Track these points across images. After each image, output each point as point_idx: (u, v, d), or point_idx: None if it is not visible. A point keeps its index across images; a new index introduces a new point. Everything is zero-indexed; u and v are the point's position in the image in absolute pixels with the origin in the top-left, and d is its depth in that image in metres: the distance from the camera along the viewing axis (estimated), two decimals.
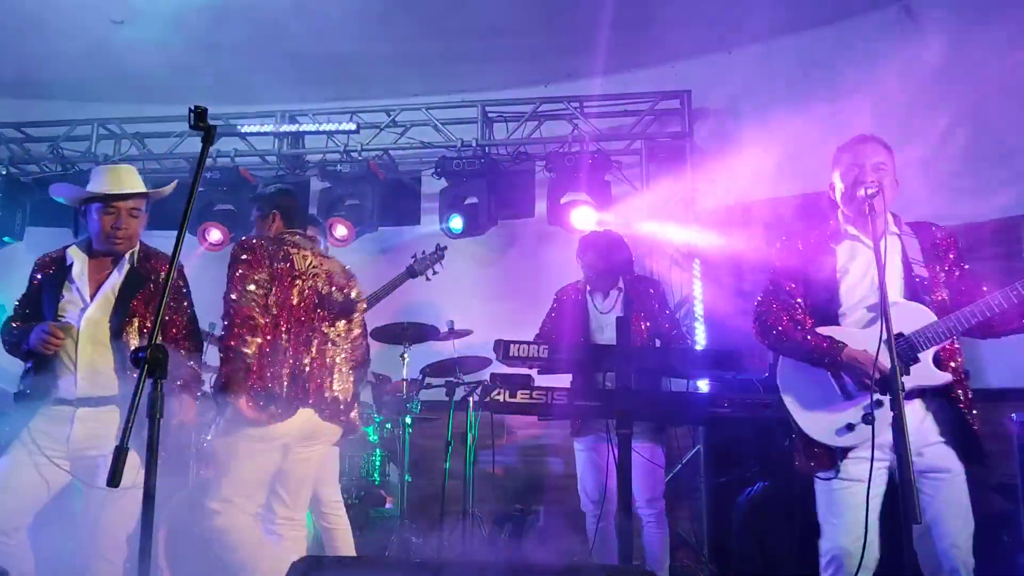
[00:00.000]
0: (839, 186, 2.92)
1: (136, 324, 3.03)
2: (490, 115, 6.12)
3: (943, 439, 2.71)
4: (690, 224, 5.63)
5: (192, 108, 2.11)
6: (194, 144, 6.33)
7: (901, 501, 2.24)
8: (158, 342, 1.97)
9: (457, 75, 6.29)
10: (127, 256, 3.15)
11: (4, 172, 6.34)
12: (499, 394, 3.71)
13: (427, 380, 5.11)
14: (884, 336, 2.42)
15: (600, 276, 4.23)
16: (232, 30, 5.71)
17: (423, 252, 4.88)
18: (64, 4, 5.49)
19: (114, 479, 1.80)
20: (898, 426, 2.24)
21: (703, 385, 4.18)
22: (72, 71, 6.25)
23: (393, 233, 6.48)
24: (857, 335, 2.77)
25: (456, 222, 5.78)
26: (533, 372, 3.84)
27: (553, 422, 4.99)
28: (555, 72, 6.40)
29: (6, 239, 6.33)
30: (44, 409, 2.98)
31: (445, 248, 4.91)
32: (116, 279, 3.11)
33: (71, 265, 3.13)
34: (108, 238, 3.11)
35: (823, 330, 2.83)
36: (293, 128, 6.07)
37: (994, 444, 2.98)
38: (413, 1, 5.45)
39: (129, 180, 3.18)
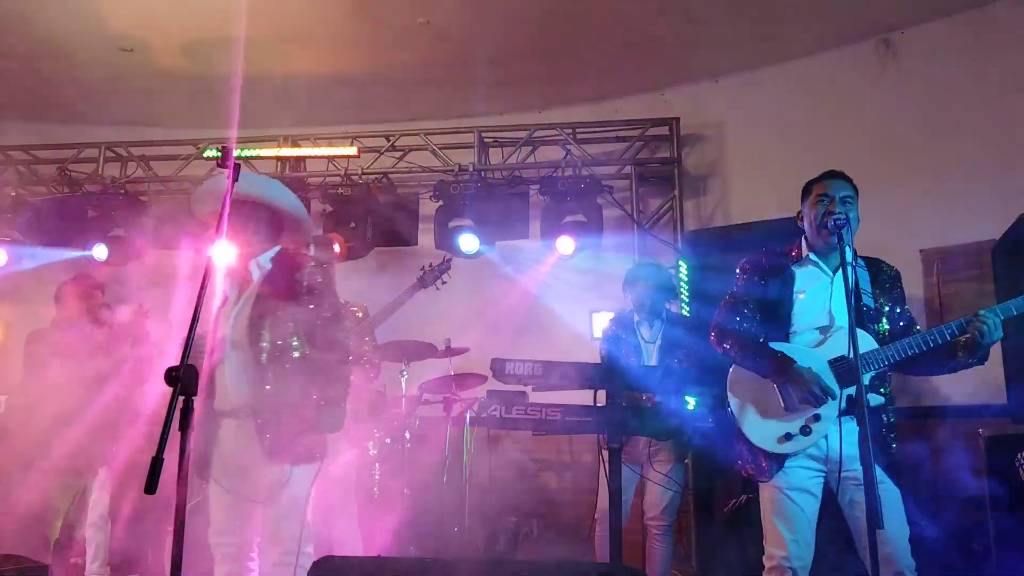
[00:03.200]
0: (808, 215, 3.15)
1: (270, 327, 3.05)
2: (485, 140, 6.34)
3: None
4: (678, 245, 5.84)
5: (219, 148, 2.31)
6: (198, 167, 6.54)
7: (868, 509, 2.43)
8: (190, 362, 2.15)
9: (454, 101, 6.51)
10: (255, 263, 3.16)
11: (13, 194, 6.52)
12: (495, 410, 3.93)
13: (424, 396, 5.30)
14: (851, 355, 2.61)
15: (647, 307, 4.46)
16: (237, 59, 5.92)
17: (430, 265, 5.07)
18: (76, 32, 5.69)
19: (149, 487, 1.98)
20: (863, 436, 2.45)
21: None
22: (81, 96, 6.46)
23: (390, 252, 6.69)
24: (805, 353, 3.00)
25: (467, 243, 5.95)
26: (528, 389, 4.06)
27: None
28: (548, 98, 6.65)
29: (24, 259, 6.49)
30: (212, 421, 3.09)
31: (451, 259, 5.09)
32: (250, 288, 3.15)
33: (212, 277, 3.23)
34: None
35: (775, 346, 3.06)
36: (296, 152, 6.27)
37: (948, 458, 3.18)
38: (412, 31, 5.68)
39: (202, 193, 3.27)
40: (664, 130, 6.16)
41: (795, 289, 3.10)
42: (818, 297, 3.08)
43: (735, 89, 6.17)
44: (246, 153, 6.38)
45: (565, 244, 5.75)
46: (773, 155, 5.96)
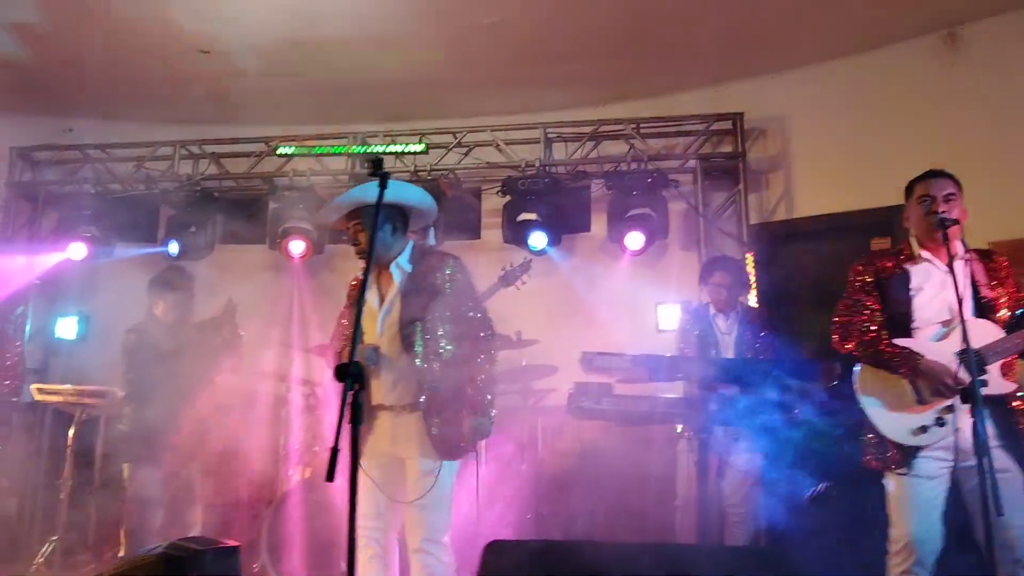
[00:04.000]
0: (913, 214, 3.27)
1: (419, 328, 3.21)
2: (549, 135, 6.46)
3: (1000, 443, 3.04)
4: (743, 239, 5.94)
5: (371, 158, 2.47)
6: (269, 164, 6.72)
7: (982, 497, 2.56)
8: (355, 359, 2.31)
9: (519, 98, 6.63)
10: (396, 265, 3.31)
11: (92, 191, 6.74)
12: (586, 401, 4.07)
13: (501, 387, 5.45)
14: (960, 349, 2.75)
15: (723, 299, 4.58)
16: (311, 60, 6.09)
17: (511, 264, 5.20)
18: (155, 35, 5.86)
19: (329, 475, 2.14)
20: (979, 429, 2.58)
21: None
22: (156, 95, 6.65)
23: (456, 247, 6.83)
24: (931, 347, 3.13)
25: (536, 239, 6.08)
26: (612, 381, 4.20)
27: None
28: (609, 94, 6.74)
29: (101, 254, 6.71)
30: (373, 417, 3.28)
31: (531, 260, 5.21)
32: (395, 288, 3.30)
33: (366, 282, 3.37)
34: (356, 254, 3.35)
35: (899, 342, 3.18)
36: (366, 149, 6.43)
37: None
38: (481, 31, 5.80)
39: (345, 201, 3.34)
40: (727, 124, 6.25)
41: (912, 286, 3.22)
42: (936, 293, 3.19)
43: (798, 84, 6.23)
44: (317, 150, 6.57)
45: (635, 239, 5.86)
46: (836, 149, 6.03)
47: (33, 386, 4.85)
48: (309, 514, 4.75)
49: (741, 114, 6.15)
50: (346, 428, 2.25)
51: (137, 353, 4.37)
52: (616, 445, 6.28)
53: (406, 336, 3.21)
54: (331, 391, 5.75)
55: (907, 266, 3.27)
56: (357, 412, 2.25)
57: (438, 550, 3.11)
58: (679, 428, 5.81)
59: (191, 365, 4.31)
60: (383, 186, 2.53)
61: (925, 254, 3.25)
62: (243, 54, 6.04)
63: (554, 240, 6.30)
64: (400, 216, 3.38)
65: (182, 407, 4.22)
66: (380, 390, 3.27)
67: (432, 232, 5.98)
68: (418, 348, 3.22)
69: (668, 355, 4.53)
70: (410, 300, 3.25)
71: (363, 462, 3.18)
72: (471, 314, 3.36)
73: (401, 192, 3.34)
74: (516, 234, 6.22)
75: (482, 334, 3.39)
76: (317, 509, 4.72)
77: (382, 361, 3.22)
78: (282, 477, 5.22)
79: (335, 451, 2.18)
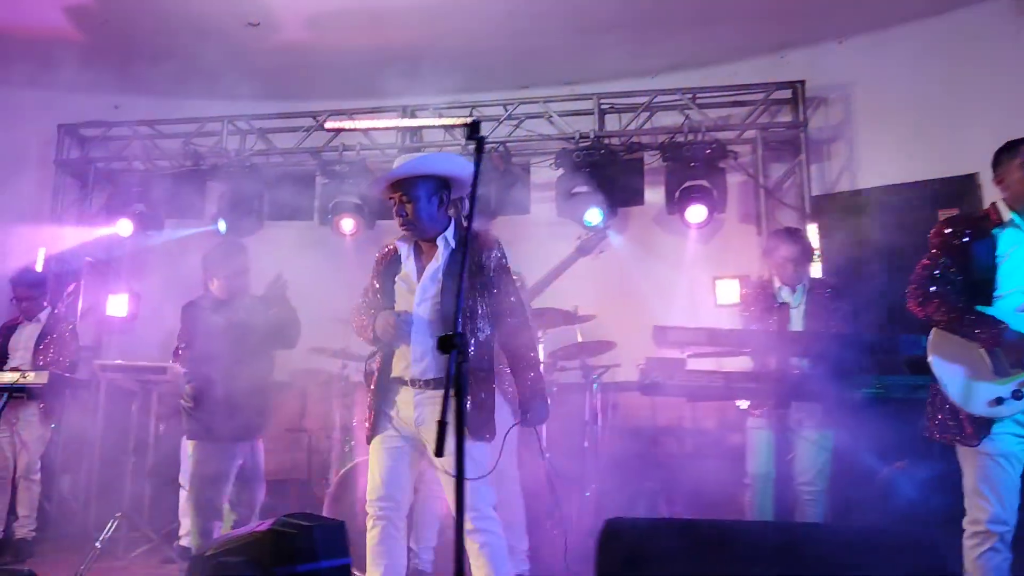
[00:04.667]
0: (1015, 176, 3.11)
1: (459, 305, 3.11)
2: (603, 106, 6.32)
3: None
4: (805, 211, 5.79)
5: (467, 123, 2.37)
6: (318, 138, 6.65)
7: None
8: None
9: (571, 69, 6.49)
10: (443, 239, 3.21)
11: (141, 167, 6.71)
12: (658, 376, 3.98)
13: (560, 364, 5.38)
14: None
15: (790, 272, 4.46)
16: (360, 32, 5.98)
17: (587, 234, 5.08)
18: (203, 7, 5.79)
19: (439, 450, 2.07)
20: None
21: None
22: (205, 70, 6.56)
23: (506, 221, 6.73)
24: (1014, 317, 3.01)
25: (592, 215, 5.97)
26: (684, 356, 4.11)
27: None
28: (662, 64, 6.58)
29: (150, 232, 6.70)
30: (393, 391, 3.20)
31: (607, 229, 5.08)
32: (438, 263, 3.19)
33: (401, 253, 3.28)
34: (399, 225, 3.27)
35: (982, 310, 3.06)
36: (416, 123, 6.34)
37: None
38: (532, 0, 5.67)
39: (399, 168, 3.25)
40: (787, 94, 6.07)
41: (998, 253, 3.08)
42: (1022, 260, 3.05)
43: (861, 50, 6.04)
44: (362, 125, 6.48)
45: (696, 213, 5.72)
46: (902, 118, 5.85)
47: (96, 362, 4.83)
48: (361, 492, 4.71)
49: (803, 82, 5.97)
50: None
51: (196, 329, 4.30)
52: (679, 421, 6.21)
53: (444, 311, 3.11)
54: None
55: (994, 231, 3.13)
56: (461, 384, 2.17)
57: (492, 525, 3.05)
58: (743, 404, 5.73)
59: (250, 341, 4.25)
60: (479, 150, 2.42)
61: (1016, 219, 3.11)
62: (292, 26, 5.95)
63: (608, 214, 6.18)
64: (447, 190, 3.28)
65: (244, 383, 4.16)
66: (402, 363, 3.18)
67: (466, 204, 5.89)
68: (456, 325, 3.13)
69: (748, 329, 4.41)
70: (452, 276, 3.14)
71: (382, 436, 3.17)
72: (513, 299, 3.29)
73: (449, 164, 3.27)
74: (570, 208, 6.11)
75: (526, 318, 3.33)
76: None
77: (414, 333, 3.12)
78: (339, 454, 5.18)
79: (443, 425, 2.10)
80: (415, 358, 3.13)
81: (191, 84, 6.73)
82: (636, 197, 6.45)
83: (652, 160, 6.33)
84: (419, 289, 3.18)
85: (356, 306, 3.44)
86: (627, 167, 6.39)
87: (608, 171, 6.21)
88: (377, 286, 3.35)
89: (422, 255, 3.28)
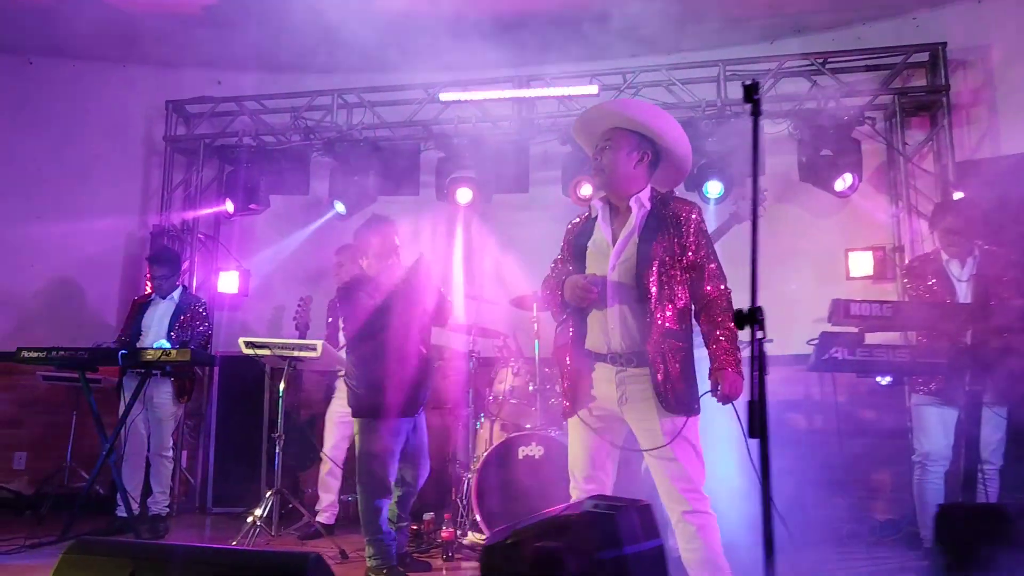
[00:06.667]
0: None
1: (655, 270, 2.92)
2: (728, 74, 6.12)
3: None
4: (947, 178, 5.58)
5: (744, 83, 2.23)
6: (429, 112, 6.53)
7: None
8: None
9: (693, 35, 6.30)
10: (636, 200, 3.05)
11: (252, 144, 6.65)
12: (838, 352, 3.82)
13: None
14: None
15: (959, 244, 4.30)
16: (473, 1, 5.83)
17: (744, 197, 4.91)
18: None
19: (752, 431, 1.96)
20: None
21: None
22: (308, 46, 6.47)
23: None
24: None
25: (713, 188, 5.81)
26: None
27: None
28: (786, 28, 6.37)
29: (252, 206, 6.64)
30: (588, 366, 3.04)
31: (766, 191, 4.89)
32: (632, 225, 3.02)
33: (596, 216, 3.14)
34: (594, 174, 3.14)
35: None
36: (536, 92, 6.19)
37: None
38: None
39: (588, 114, 3.14)
40: (922, 57, 5.83)
41: None
42: None
43: (1003, 9, 5.78)
44: (478, 96, 6.35)
45: (844, 181, 5.54)
46: None
47: (241, 340, 4.79)
48: (513, 470, 4.65)
49: (944, 44, 5.72)
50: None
51: (356, 309, 4.22)
52: (807, 395, 6.07)
53: (641, 277, 2.95)
54: (522, 342, 5.64)
55: None
56: (763, 362, 2.05)
57: (703, 505, 2.93)
58: (883, 380, 5.58)
59: (408, 317, 4.17)
60: (756, 113, 2.29)
61: None
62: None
63: (729, 185, 6.01)
64: (651, 150, 3.13)
65: (406, 359, 4.09)
66: (596, 333, 3.02)
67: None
68: (653, 291, 2.97)
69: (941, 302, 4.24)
70: (649, 240, 2.98)
71: (579, 413, 3.04)
72: (713, 265, 3.07)
73: (664, 124, 3.08)
74: (693, 179, 5.94)
75: (726, 286, 3.10)
76: (519, 465, 4.63)
77: (609, 299, 2.97)
78: (483, 433, 5.12)
79: (754, 404, 1.99)
80: (611, 327, 2.99)
81: (296, 58, 6.64)
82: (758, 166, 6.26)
83: (775, 129, 6.14)
84: (613, 253, 3.04)
85: (546, 277, 3.33)
86: (747, 136, 6.18)
87: (729, 141, 6.03)
88: (568, 254, 3.23)
89: (615, 218, 3.13)
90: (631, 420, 2.99)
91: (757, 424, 1.97)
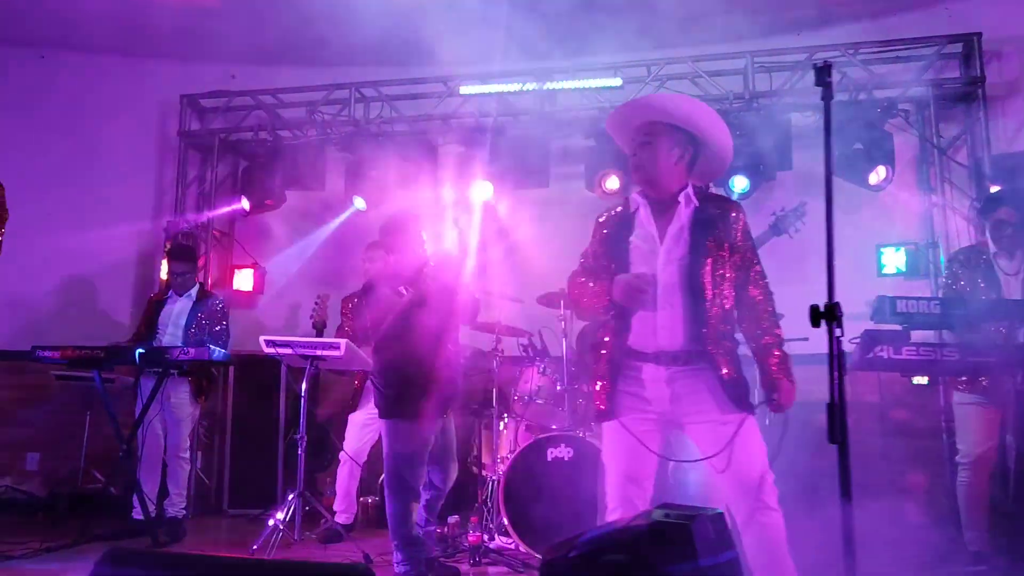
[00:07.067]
0: None
1: (709, 268, 2.81)
2: (755, 65, 5.98)
3: None
4: (983, 172, 5.43)
5: (816, 65, 2.10)
6: (448, 106, 6.39)
7: None
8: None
9: (718, 26, 6.14)
10: (685, 195, 2.91)
11: (268, 138, 6.53)
12: (883, 351, 3.69)
13: None
14: None
15: (1007, 238, 4.16)
16: None
17: (783, 209, 4.76)
18: None
19: (832, 436, 1.83)
20: None
21: None
22: (323, 37, 6.33)
23: None
24: None
25: (740, 183, 5.68)
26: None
27: None
28: (814, 17, 6.22)
29: (267, 202, 6.52)
30: (632, 366, 2.91)
31: (806, 203, 4.75)
32: (680, 221, 2.90)
33: (636, 211, 2.99)
34: (633, 170, 3.02)
35: None
36: (559, 85, 6.06)
37: None
38: None
39: (625, 109, 3.01)
40: (956, 47, 5.69)
41: None
42: None
43: None
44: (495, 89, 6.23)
45: (878, 174, 5.39)
46: None
47: (262, 337, 4.65)
48: (542, 473, 4.52)
49: (979, 34, 5.57)
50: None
51: (383, 308, 4.08)
52: (872, 397, 5.90)
53: (695, 275, 2.82)
54: (547, 340, 5.50)
55: None
56: (841, 360, 1.92)
57: (766, 515, 2.78)
58: (919, 380, 5.44)
59: (437, 316, 4.04)
60: (828, 97, 2.15)
61: None
62: None
63: (756, 181, 5.88)
64: (692, 145, 3.00)
65: (435, 360, 3.96)
66: (643, 333, 2.88)
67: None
68: (708, 289, 2.84)
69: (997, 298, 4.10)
70: (701, 237, 2.86)
71: (622, 416, 2.89)
72: (758, 267, 2.97)
73: (706, 119, 2.96)
74: None
75: (769, 290, 2.98)
76: (548, 467, 4.50)
77: (660, 297, 2.83)
78: (507, 434, 5.00)
79: (834, 407, 1.86)
80: (661, 325, 2.85)
81: (308, 52, 6.51)
82: (785, 160, 6.13)
83: (801, 121, 6.00)
84: (664, 250, 2.90)
85: (573, 273, 3.19)
86: (774, 129, 6.05)
87: (755, 134, 5.89)
88: (603, 249, 3.09)
89: (659, 214, 2.98)
90: (688, 420, 2.86)
91: (837, 428, 1.84)
